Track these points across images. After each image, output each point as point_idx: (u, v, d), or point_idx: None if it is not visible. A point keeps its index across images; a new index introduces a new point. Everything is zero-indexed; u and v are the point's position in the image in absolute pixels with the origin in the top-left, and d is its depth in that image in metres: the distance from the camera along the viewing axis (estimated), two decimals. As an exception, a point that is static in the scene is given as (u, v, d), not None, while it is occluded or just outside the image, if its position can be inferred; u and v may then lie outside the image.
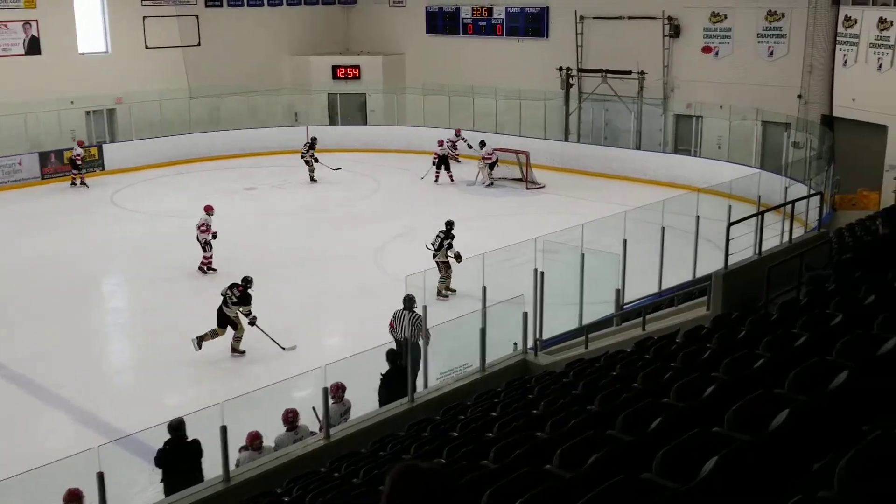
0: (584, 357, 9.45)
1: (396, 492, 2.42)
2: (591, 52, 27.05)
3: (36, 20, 26.68)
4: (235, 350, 12.95)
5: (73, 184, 24.40)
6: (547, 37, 28.44)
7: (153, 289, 16.56)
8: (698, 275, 13.34)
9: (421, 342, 10.64)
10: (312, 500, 6.24)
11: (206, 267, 16.94)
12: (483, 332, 10.40)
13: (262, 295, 15.62)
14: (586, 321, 12.13)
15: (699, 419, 4.33)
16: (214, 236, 16.89)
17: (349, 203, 22.82)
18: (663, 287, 13.42)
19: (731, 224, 10.01)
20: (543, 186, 24.08)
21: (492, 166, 24.27)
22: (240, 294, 12.96)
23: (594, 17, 26.79)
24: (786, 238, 10.95)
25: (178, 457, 8.06)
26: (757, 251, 10.15)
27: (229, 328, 13.04)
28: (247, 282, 13.13)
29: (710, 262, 12.37)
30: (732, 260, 9.74)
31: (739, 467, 3.23)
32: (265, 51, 31.24)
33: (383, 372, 10.14)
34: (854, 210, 19.13)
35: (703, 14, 24.71)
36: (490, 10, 29.82)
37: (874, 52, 20.35)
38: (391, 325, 12.07)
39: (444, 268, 15.45)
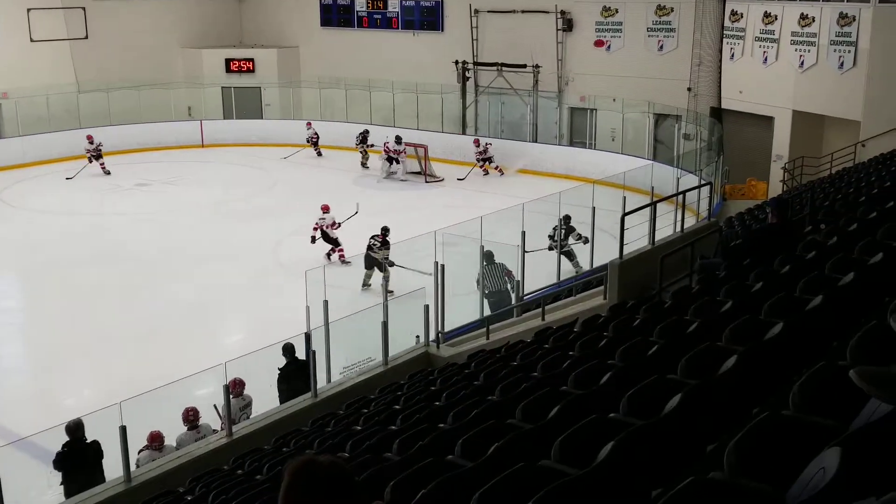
0: (486, 348, 9.56)
1: (294, 486, 2.40)
2: (486, 45, 27.32)
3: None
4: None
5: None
6: (442, 30, 28.56)
7: (45, 287, 15.93)
8: (595, 265, 13.66)
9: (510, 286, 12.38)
10: (215, 498, 6.13)
11: (342, 259, 16.80)
12: (385, 325, 10.38)
13: (159, 292, 15.29)
14: (487, 313, 12.27)
15: (596, 406, 4.43)
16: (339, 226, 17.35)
17: (246, 198, 22.41)
18: (562, 278, 13.69)
19: (625, 214, 10.26)
20: (442, 180, 24.21)
21: (390, 161, 24.24)
22: (381, 241, 14.89)
23: (489, 11, 27.06)
24: (678, 228, 11.31)
25: (78, 459, 7.81)
26: (651, 241, 10.46)
27: (376, 270, 14.83)
28: (385, 231, 15.16)
29: (607, 253, 12.70)
30: (627, 249, 10.00)
31: (635, 451, 3.32)
32: (156, 43, 30.29)
33: (280, 367, 10.02)
34: (743, 199, 19.96)
35: (594, 8, 25.28)
36: (385, 3, 29.73)
37: (760, 46, 21.25)
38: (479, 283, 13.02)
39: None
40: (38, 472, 8.22)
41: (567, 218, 15.40)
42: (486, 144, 25.07)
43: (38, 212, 20.98)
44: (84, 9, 28.96)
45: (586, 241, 14.99)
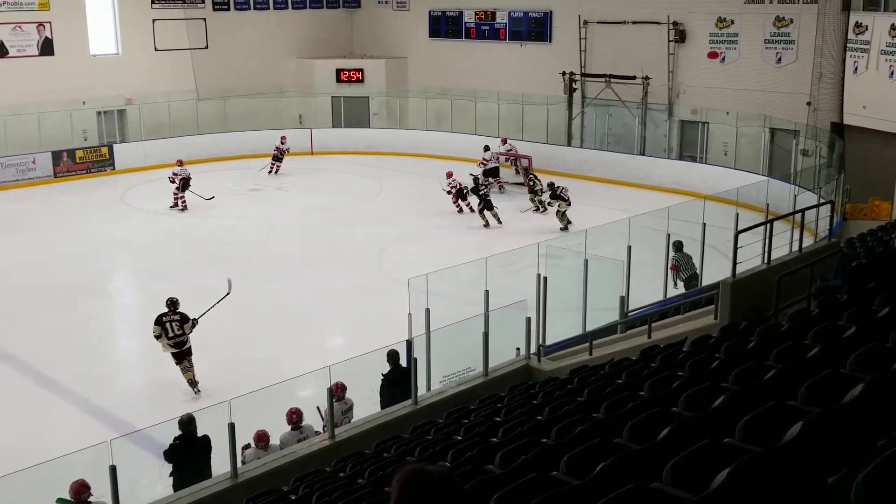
0: (588, 364, 9.40)
1: (405, 493, 2.43)
2: (594, 56, 27.03)
3: (49, 22, 26.81)
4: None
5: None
6: (550, 41, 28.40)
7: (158, 286, 16.55)
8: (704, 283, 13.28)
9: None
10: (319, 499, 6.22)
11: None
12: (486, 336, 10.35)
13: (265, 295, 15.70)
14: (590, 328, 12.07)
15: (709, 430, 4.29)
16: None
17: (352, 205, 22.80)
18: (668, 295, 13.36)
19: (739, 232, 9.94)
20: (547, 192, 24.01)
21: (492, 173, 24.18)
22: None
23: (598, 22, 26.77)
24: (795, 247, 10.88)
25: (189, 452, 8.08)
26: (766, 260, 10.08)
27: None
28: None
29: (717, 271, 12.32)
30: (740, 269, 9.68)
31: (752, 479, 3.18)
32: (270, 54, 31.27)
33: (384, 372, 10.11)
34: (865, 220, 19.02)
35: (709, 19, 24.68)
36: (493, 15, 29.80)
37: (886, 60, 20.24)
38: (674, 268, 13.86)
39: None
40: (150, 464, 8.53)
41: None
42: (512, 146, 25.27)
43: (155, 213, 21.88)
44: (205, 20, 30.15)
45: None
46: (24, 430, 10.92)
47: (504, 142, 25.84)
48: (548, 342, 11.14)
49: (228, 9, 30.75)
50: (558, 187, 20.36)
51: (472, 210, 21.13)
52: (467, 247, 17.55)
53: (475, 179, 21.55)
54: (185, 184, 21.77)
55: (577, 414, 6.14)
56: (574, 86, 27.42)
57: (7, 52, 26.27)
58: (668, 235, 13.50)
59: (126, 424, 10.69)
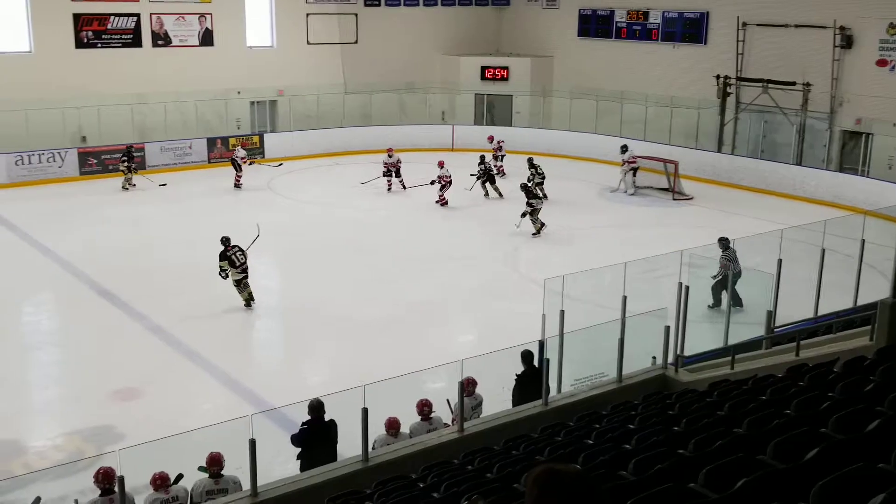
0: (730, 378, 9.04)
1: (542, 492, 2.40)
2: (752, 60, 25.97)
3: (210, 14, 28.23)
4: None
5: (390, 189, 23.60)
6: (705, 43, 27.51)
7: (298, 272, 17.18)
8: (860, 303, 12.52)
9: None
10: (447, 489, 6.26)
11: None
12: (621, 342, 10.13)
13: (403, 289, 15.98)
14: (732, 341, 11.61)
15: (863, 453, 4.03)
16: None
17: (489, 203, 22.83)
18: (820, 313, 12.68)
19: (901, 249, 9.31)
20: (692, 198, 23.33)
21: (634, 172, 23.76)
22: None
23: (758, 24, 25.71)
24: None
25: (317, 435, 8.29)
26: (928, 280, 9.41)
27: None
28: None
29: (875, 291, 11.61)
30: (900, 288, 9.07)
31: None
32: (417, 50, 31.79)
33: (518, 373, 10.06)
34: None
35: (879, 25, 23.22)
36: (646, 15, 29.14)
37: None
38: (723, 266, 13.88)
39: None
40: (285, 441, 8.81)
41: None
42: (500, 142, 25.23)
43: (298, 201, 22.65)
44: (356, 15, 30.99)
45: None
46: (169, 400, 11.52)
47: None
48: (686, 353, 10.78)
49: (379, 4, 31.47)
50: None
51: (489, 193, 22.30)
52: (605, 250, 17.27)
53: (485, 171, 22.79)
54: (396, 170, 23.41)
55: (716, 427, 5.91)
56: (728, 90, 26.47)
57: (170, 42, 27.84)
58: (823, 251, 12.80)
59: (262, 401, 11.13)
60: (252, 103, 28.95)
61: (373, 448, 8.13)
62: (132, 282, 15.93)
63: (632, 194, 23.55)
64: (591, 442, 7.32)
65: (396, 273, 17.04)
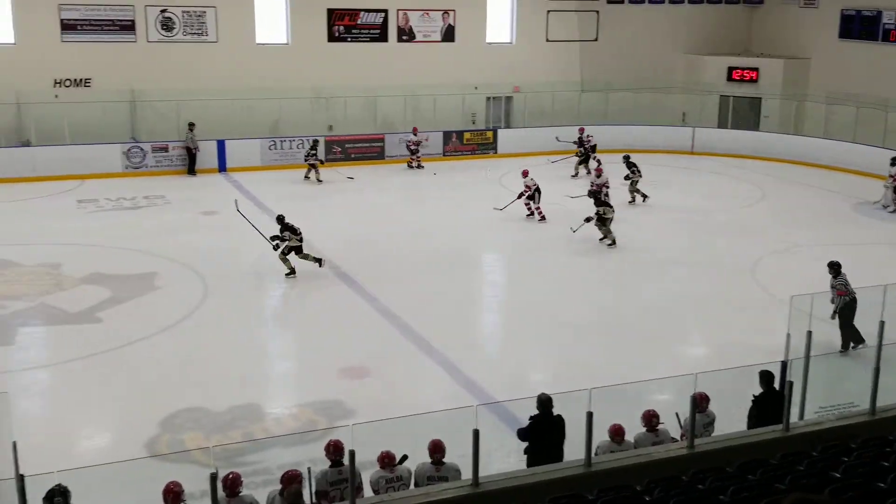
0: None
1: None
2: None
3: (454, 10, 28.97)
4: None
5: (410, 166, 25.85)
6: None
7: (529, 266, 17.14)
8: None
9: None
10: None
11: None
12: (877, 371, 9.15)
13: (630, 293, 15.49)
14: None
15: None
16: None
17: (729, 210, 21.68)
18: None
19: None
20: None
21: None
22: None
23: None
24: None
25: (544, 431, 8.14)
26: None
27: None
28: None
29: None
30: None
31: None
32: (659, 48, 30.83)
33: (756, 394, 9.37)
34: None
35: None
36: (921, 14, 26.46)
37: None
38: (842, 294, 12.61)
39: None
40: (506, 434, 8.74)
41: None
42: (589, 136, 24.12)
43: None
44: (597, 12, 30.56)
45: None
46: (395, 382, 11.84)
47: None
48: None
49: (622, 2, 30.86)
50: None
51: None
52: (860, 268, 15.79)
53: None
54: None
55: None
56: None
57: (414, 37, 28.83)
58: None
59: (484, 393, 11.16)
60: (488, 99, 29.41)
61: (595, 454, 7.85)
62: (366, 264, 16.60)
63: (892, 211, 21.41)
64: (838, 475, 6.69)
65: (626, 278, 16.59)
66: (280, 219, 15.89)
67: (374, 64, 27.65)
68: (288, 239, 15.66)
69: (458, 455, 7.79)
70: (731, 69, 30.03)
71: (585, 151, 24.95)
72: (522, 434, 8.26)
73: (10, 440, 6.71)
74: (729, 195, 23.27)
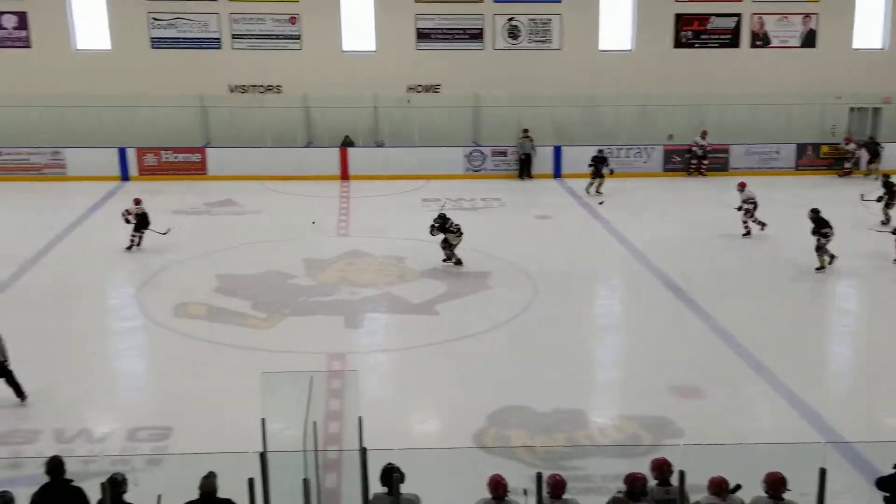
0: None
1: None
2: None
3: (816, 13, 26.91)
4: None
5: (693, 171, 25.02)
6: None
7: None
8: None
9: None
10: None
11: None
12: None
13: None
14: None
15: None
16: None
17: None
18: None
19: None
20: None
21: None
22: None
23: None
24: None
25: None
26: None
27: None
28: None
29: None
30: None
31: None
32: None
33: None
34: None
35: None
36: None
37: None
38: None
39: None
40: (853, 476, 7.70)
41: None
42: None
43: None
44: None
45: None
46: (729, 406, 11.01)
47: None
48: None
49: None
50: None
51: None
52: None
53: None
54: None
55: None
56: None
57: (769, 42, 27.07)
58: None
59: (829, 430, 9.99)
60: (851, 109, 26.90)
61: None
62: (700, 278, 15.80)
63: None
64: None
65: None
66: (442, 217, 16.73)
67: (723, 70, 26.60)
68: (455, 231, 16.60)
69: (800, 493, 7.02)
70: None
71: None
72: (881, 484, 7.21)
73: (356, 414, 7.17)
74: None
